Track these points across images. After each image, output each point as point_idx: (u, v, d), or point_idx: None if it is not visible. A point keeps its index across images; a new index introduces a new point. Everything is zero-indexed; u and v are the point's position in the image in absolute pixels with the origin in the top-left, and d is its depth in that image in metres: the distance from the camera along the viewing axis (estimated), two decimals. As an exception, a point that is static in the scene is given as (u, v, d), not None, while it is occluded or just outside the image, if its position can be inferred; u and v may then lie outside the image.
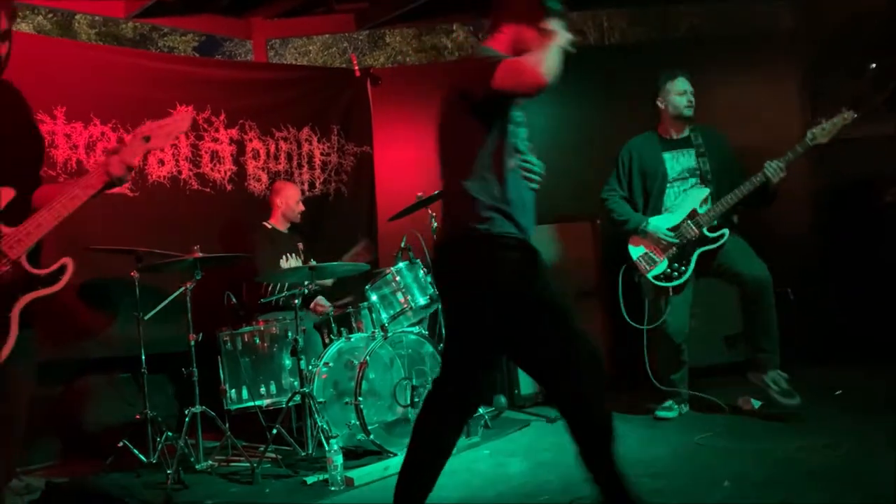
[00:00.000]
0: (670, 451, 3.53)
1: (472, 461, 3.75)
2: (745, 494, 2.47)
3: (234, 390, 4.23)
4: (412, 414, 4.03)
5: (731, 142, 4.29)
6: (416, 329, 4.19)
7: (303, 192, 5.23)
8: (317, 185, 5.55)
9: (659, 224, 4.12)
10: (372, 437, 3.80)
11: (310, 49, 16.28)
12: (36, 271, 2.07)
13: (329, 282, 4.79)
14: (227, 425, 4.07)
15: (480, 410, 4.39)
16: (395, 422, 4.01)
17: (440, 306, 4.30)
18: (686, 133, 4.23)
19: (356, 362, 3.94)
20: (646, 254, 4.17)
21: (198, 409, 3.93)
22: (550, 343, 2.33)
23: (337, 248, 4.87)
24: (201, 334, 4.05)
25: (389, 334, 4.02)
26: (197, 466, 3.92)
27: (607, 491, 2.30)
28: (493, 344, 2.45)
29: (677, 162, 4.20)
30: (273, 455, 3.96)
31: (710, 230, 4.04)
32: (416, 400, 4.00)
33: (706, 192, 4.08)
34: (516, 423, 4.42)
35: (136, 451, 3.86)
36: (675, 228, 4.10)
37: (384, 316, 4.10)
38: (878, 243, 5.05)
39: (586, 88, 5.65)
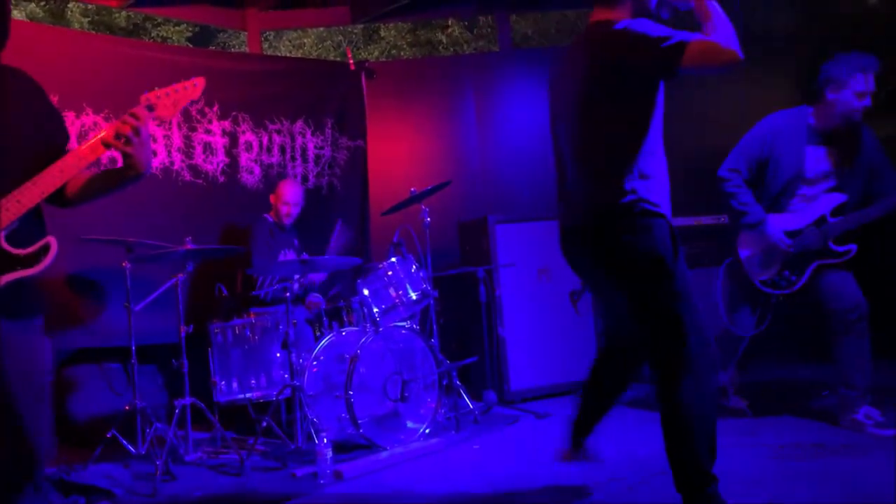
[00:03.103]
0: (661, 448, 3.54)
1: (461, 456, 3.76)
2: (731, 493, 2.48)
3: (224, 382, 4.23)
4: (402, 408, 4.04)
5: (729, 143, 3.92)
6: (407, 324, 4.20)
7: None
8: (310, 178, 5.54)
9: (778, 225, 3.68)
10: (361, 430, 3.80)
11: (304, 42, 16.21)
12: (15, 251, 1.88)
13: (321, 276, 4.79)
14: (217, 417, 4.07)
15: (470, 406, 4.41)
16: (385, 416, 4.02)
17: (432, 302, 4.31)
18: (840, 129, 3.63)
19: (347, 356, 3.94)
20: (755, 254, 3.77)
21: (187, 400, 3.92)
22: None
23: (329, 243, 4.87)
24: (192, 326, 4.04)
25: (381, 329, 4.02)
26: (186, 458, 3.92)
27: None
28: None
29: (819, 161, 3.66)
30: (262, 447, 3.96)
31: (836, 243, 3.61)
32: (407, 394, 4.01)
33: (842, 199, 3.62)
34: (506, 418, 4.43)
35: (124, 443, 3.85)
36: (795, 233, 3.66)
37: (376, 310, 4.10)
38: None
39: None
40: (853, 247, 3.60)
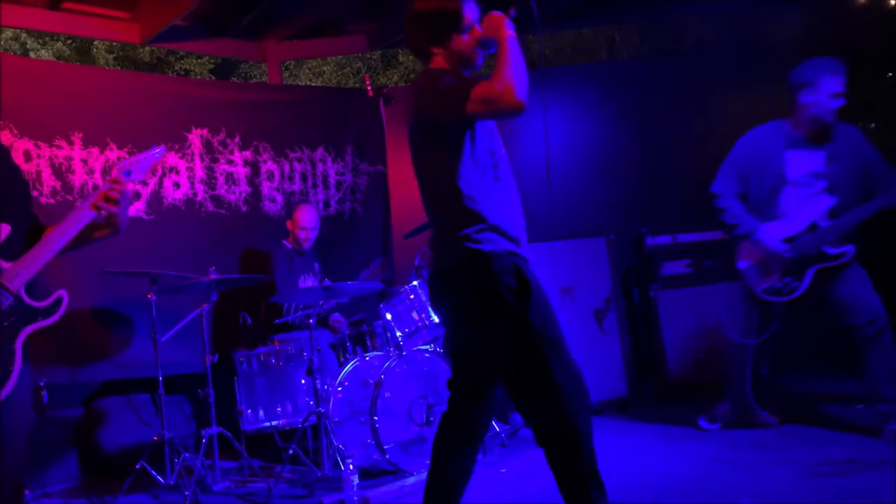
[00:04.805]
0: (688, 467, 3.50)
1: (488, 480, 3.73)
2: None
3: (250, 410, 4.24)
4: (428, 432, 4.02)
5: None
6: (431, 347, 4.19)
7: (318, 210, 5.23)
8: (332, 204, 5.58)
9: (774, 233, 3.70)
10: (387, 456, 3.79)
11: (324, 69, 16.41)
12: (35, 304, 2.20)
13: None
14: (244, 446, 4.08)
15: (496, 428, 4.37)
16: (411, 441, 3.99)
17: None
18: (820, 131, 3.66)
19: (371, 381, 3.94)
20: (754, 264, 3.79)
21: (214, 430, 3.94)
22: (536, 369, 2.28)
23: (353, 268, 4.89)
24: (217, 355, 4.07)
25: (404, 352, 4.02)
26: (214, 488, 3.93)
27: None
28: (491, 364, 2.42)
29: (802, 163, 3.68)
30: (289, 475, 3.97)
31: (830, 246, 3.61)
32: (432, 419, 3.99)
33: (833, 202, 3.62)
34: (533, 440, 4.38)
35: (153, 473, 3.87)
36: (791, 240, 3.66)
37: (399, 334, 4.10)
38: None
39: (597, 104, 5.67)
40: (850, 248, 3.58)
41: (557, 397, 2.27)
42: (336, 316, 4.78)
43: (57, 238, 2.21)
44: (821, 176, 3.66)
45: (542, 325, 2.30)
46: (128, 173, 2.36)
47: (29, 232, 2.30)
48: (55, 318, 2.22)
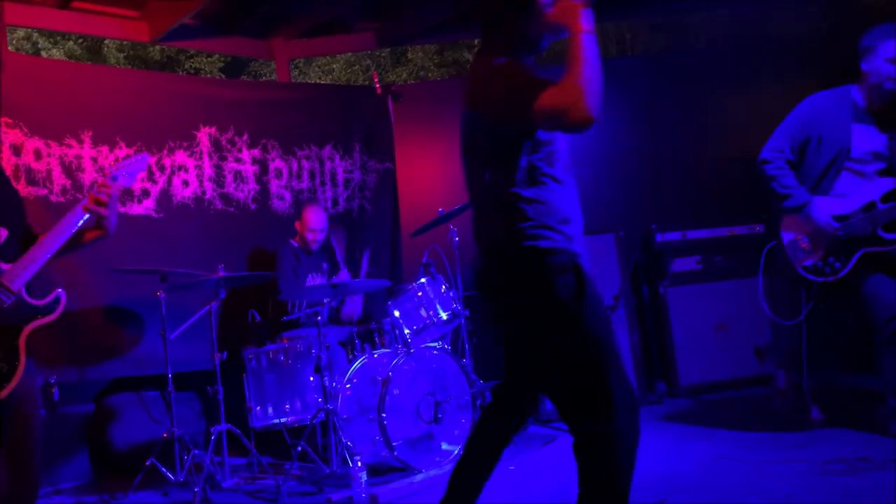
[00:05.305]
0: (694, 465, 3.48)
1: (496, 477, 3.72)
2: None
3: (259, 407, 4.26)
4: (436, 429, 4.03)
5: (749, 151, 3.82)
6: (438, 344, 4.19)
7: (326, 209, 5.25)
8: (340, 202, 5.59)
9: (825, 209, 3.49)
10: (396, 453, 3.79)
11: (333, 67, 16.44)
12: (35, 302, 2.31)
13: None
14: (253, 443, 4.10)
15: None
16: (419, 438, 4.00)
17: (463, 321, 4.31)
18: (888, 109, 3.46)
19: (380, 378, 3.94)
20: (797, 239, 3.58)
21: (223, 427, 3.96)
22: (585, 374, 2.15)
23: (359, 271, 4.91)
24: (226, 352, 4.09)
25: (412, 350, 4.02)
26: (223, 484, 3.94)
27: None
28: (538, 366, 2.30)
29: (866, 140, 3.47)
30: (298, 472, 3.98)
31: (885, 230, 3.40)
32: (440, 416, 4.00)
33: (892, 185, 3.42)
34: (542, 437, 4.38)
35: (163, 470, 3.90)
36: (843, 218, 3.46)
37: (407, 331, 4.10)
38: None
39: (607, 100, 5.63)
40: None
41: (605, 406, 2.12)
42: (350, 306, 4.81)
43: (52, 240, 2.34)
44: (881, 157, 3.47)
45: (596, 327, 2.18)
46: (114, 178, 2.51)
47: (23, 237, 2.43)
48: (55, 315, 2.33)
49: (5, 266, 2.30)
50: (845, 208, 3.48)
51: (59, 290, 2.36)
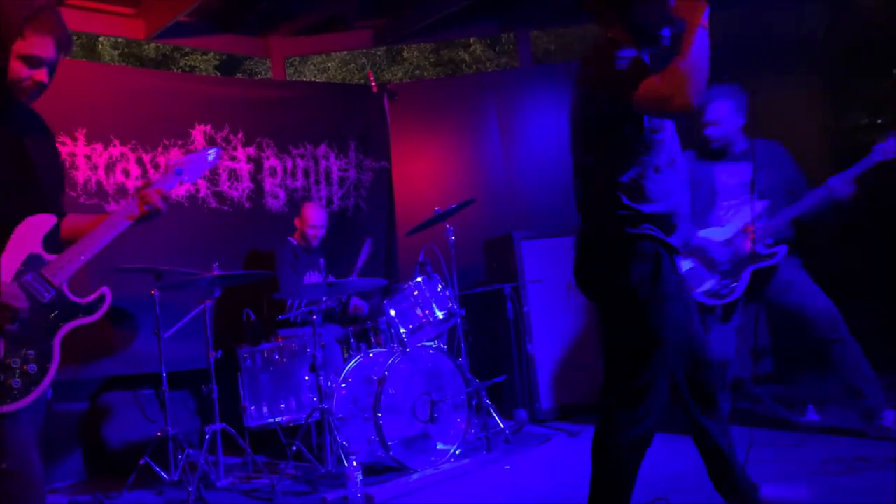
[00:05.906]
0: (694, 466, 3.47)
1: (493, 477, 3.72)
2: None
3: (254, 407, 4.24)
4: (432, 429, 4.01)
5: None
6: (434, 343, 4.18)
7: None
8: (335, 200, 5.57)
9: (709, 237, 3.82)
10: (391, 452, 3.78)
11: (329, 66, 16.40)
12: (77, 300, 2.06)
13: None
14: (248, 442, 4.08)
15: (501, 425, 4.36)
16: (415, 437, 3.99)
17: (458, 322, 4.30)
18: (742, 146, 3.83)
19: (375, 377, 3.93)
20: (694, 269, 3.85)
21: (218, 426, 3.94)
22: (629, 360, 2.29)
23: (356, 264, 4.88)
24: (221, 351, 4.07)
25: (408, 349, 4.01)
26: (218, 484, 3.93)
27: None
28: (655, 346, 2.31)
29: (730, 175, 3.85)
30: (293, 472, 3.96)
31: (764, 247, 3.72)
32: (436, 415, 3.99)
33: (762, 206, 3.73)
34: (538, 437, 4.37)
35: (157, 469, 3.88)
36: (726, 243, 3.79)
37: (403, 330, 4.09)
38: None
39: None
40: (783, 248, 3.68)
41: (635, 399, 2.26)
42: (356, 301, 4.81)
43: (104, 233, 2.08)
44: (748, 185, 3.71)
45: (659, 322, 2.25)
46: (179, 172, 2.24)
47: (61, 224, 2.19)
48: (97, 315, 2.08)
49: (49, 257, 2.04)
50: (727, 234, 3.79)
51: (105, 288, 2.10)
